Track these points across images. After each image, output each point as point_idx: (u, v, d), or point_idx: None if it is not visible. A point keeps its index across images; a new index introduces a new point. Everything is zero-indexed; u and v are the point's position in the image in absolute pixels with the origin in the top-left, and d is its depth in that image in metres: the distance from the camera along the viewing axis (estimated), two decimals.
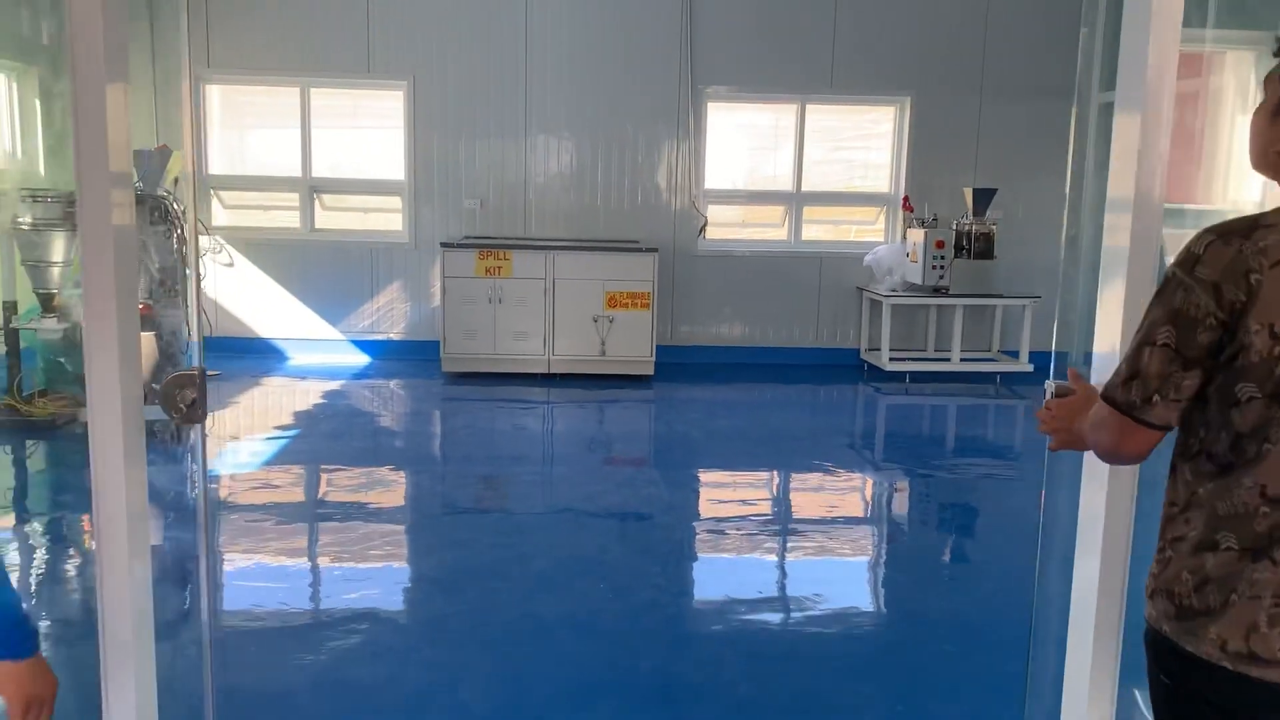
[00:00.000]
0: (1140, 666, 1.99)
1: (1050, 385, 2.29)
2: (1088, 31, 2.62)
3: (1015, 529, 6.05)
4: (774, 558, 5.44)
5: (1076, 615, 2.49)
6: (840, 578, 5.27)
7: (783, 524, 6.04)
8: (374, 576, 4.91)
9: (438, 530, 5.71)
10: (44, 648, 1.78)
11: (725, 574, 5.20)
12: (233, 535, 5.51)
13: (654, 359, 9.30)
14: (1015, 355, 9.76)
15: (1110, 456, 1.95)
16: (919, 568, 5.41)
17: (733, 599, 4.80)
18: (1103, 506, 2.34)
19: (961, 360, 9.61)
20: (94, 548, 2.12)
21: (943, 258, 9.23)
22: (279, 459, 6.87)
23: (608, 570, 5.07)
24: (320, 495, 6.35)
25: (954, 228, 9.48)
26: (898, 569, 5.44)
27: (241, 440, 7.42)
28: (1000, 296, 9.64)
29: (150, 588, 2.23)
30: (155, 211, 7.94)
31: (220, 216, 10.15)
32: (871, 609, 4.93)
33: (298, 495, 6.32)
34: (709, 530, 5.83)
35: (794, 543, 5.69)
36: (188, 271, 7.52)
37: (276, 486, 6.33)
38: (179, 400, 2.40)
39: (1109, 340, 2.30)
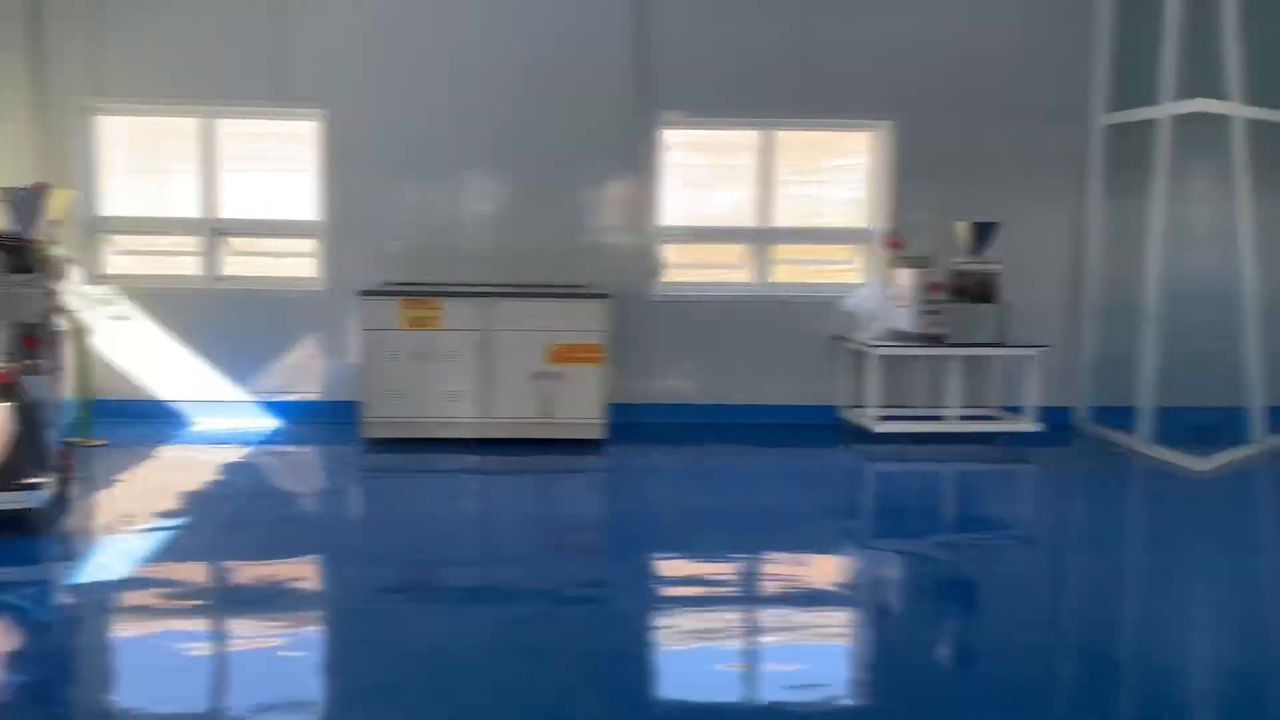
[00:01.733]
0: None
1: None
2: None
3: (1043, 626, 4.91)
4: (805, 696, 4.21)
5: None
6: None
7: (801, 652, 4.78)
8: None
9: (350, 676, 4.27)
10: None
11: None
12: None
13: (605, 420, 8.11)
14: (1017, 411, 8.64)
15: None
16: (953, 690, 4.21)
17: None
18: None
19: (960, 419, 8.48)
20: None
21: (938, 302, 8.10)
22: (157, 559, 5.49)
23: None
24: (197, 625, 4.93)
25: (947, 268, 8.38)
26: (939, 695, 4.20)
27: (116, 534, 6.08)
28: (1002, 346, 8.53)
29: None
30: (16, 256, 6.70)
31: (114, 263, 8.90)
32: None
33: (165, 626, 4.83)
34: (705, 660, 4.52)
35: (823, 676, 4.46)
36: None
37: (141, 609, 4.93)
38: None
39: None
